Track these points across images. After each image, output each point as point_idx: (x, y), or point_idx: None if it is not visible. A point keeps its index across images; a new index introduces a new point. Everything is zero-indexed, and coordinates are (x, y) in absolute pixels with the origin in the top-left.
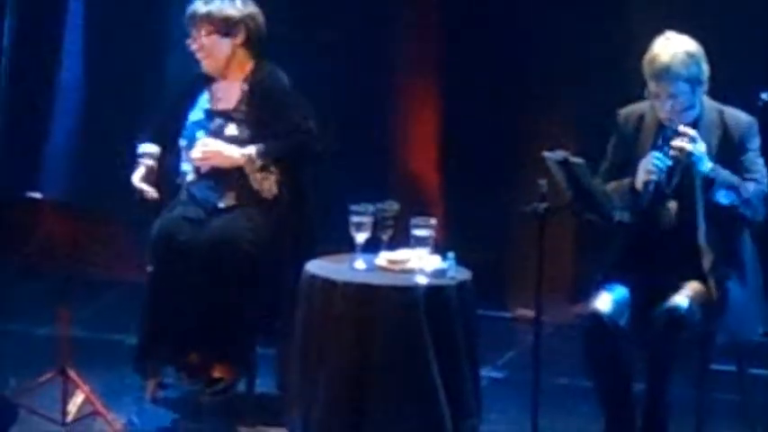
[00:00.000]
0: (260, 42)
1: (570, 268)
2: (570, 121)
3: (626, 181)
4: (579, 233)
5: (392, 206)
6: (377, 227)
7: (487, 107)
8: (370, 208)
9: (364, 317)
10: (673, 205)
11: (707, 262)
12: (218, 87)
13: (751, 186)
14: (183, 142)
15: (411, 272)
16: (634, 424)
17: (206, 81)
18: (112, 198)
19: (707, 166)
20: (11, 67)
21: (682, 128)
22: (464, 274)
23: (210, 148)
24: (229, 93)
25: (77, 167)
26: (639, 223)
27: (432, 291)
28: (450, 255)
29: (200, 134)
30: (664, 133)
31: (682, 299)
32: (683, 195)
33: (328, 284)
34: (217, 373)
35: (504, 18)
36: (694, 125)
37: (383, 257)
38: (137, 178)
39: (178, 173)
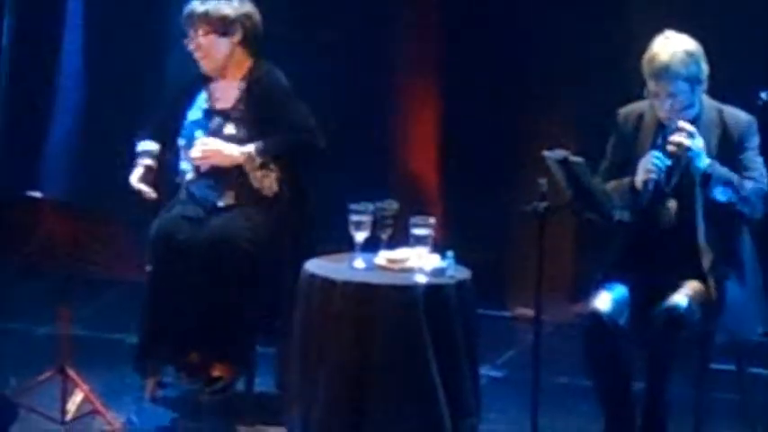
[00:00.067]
0: (257, 41)
1: (570, 267)
2: (570, 120)
3: (626, 180)
4: (579, 232)
5: (391, 205)
6: (376, 226)
7: (487, 107)
8: (370, 207)
9: (363, 316)
10: (672, 204)
11: (706, 261)
12: (217, 87)
13: (749, 184)
14: (181, 141)
15: (410, 271)
16: (634, 423)
17: (204, 81)
18: (112, 197)
19: (704, 161)
20: (10, 67)
21: (680, 123)
22: (463, 273)
23: (210, 147)
24: (228, 92)
25: (77, 167)
26: (639, 222)
27: (431, 290)
28: (450, 254)
29: (198, 133)
30: (663, 132)
31: (681, 298)
32: (683, 195)
33: (328, 283)
34: (216, 373)
35: (503, 18)
36: (693, 124)
37: (382, 256)
38: (134, 179)
39: (177, 172)
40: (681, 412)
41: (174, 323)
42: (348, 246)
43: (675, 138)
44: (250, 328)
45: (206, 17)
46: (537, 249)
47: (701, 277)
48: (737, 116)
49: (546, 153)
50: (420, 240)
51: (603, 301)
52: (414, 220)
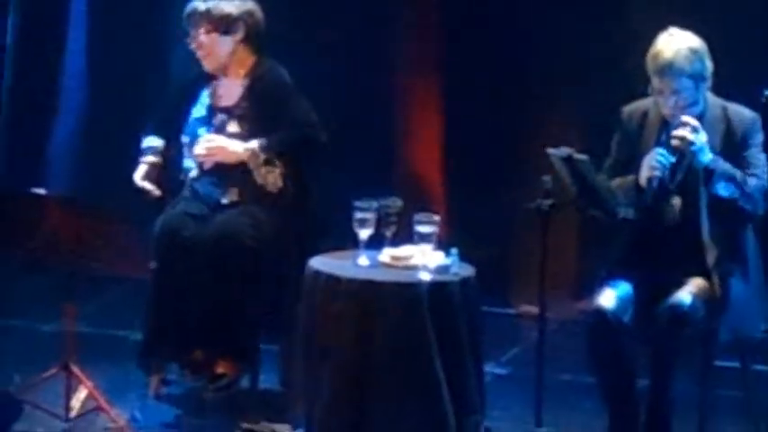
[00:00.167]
0: (259, 38)
1: (574, 265)
2: (571, 120)
3: (630, 177)
4: (583, 230)
5: (395, 202)
6: (380, 223)
7: (488, 106)
8: (374, 204)
9: (367, 313)
10: (677, 202)
11: (711, 258)
12: (220, 85)
13: (752, 181)
14: (185, 139)
15: (414, 268)
16: (638, 420)
17: (207, 78)
18: (116, 195)
19: (707, 156)
20: (15, 65)
21: (684, 118)
22: (468, 271)
23: (214, 144)
24: (231, 90)
25: (81, 165)
26: (643, 220)
27: (435, 287)
28: (454, 251)
29: (202, 131)
30: (667, 130)
31: (685, 295)
32: (687, 192)
33: (332, 280)
34: (220, 370)
35: (504, 18)
36: (698, 121)
37: (386, 254)
38: (138, 177)
39: (181, 169)
40: (685, 409)
41: (178, 320)
42: (352, 243)
43: (679, 132)
44: (254, 325)
45: (208, 16)
46: (541, 247)
47: (705, 274)
48: (742, 113)
49: (550, 150)
50: (424, 238)
51: (607, 298)
52: (418, 217)
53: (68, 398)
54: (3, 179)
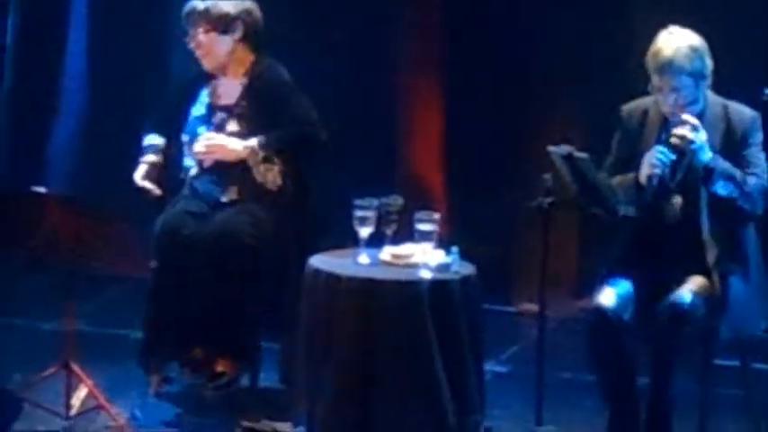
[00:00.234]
0: (258, 37)
1: (574, 263)
2: (572, 120)
3: (630, 175)
4: (583, 228)
5: (396, 201)
6: (381, 221)
7: (490, 106)
8: (375, 202)
9: (368, 311)
10: (677, 200)
11: (711, 256)
12: (219, 84)
13: (752, 180)
14: (185, 137)
15: (415, 266)
16: (638, 418)
17: (207, 77)
18: (116, 194)
19: (707, 155)
20: (15, 66)
21: (684, 116)
22: (468, 269)
23: (214, 142)
24: (230, 89)
25: (81, 165)
26: (644, 218)
27: (436, 285)
28: (455, 249)
29: (201, 130)
30: (668, 128)
31: (685, 293)
32: (688, 190)
33: (332, 279)
34: (220, 368)
35: (506, 17)
36: (698, 119)
37: (387, 252)
38: (138, 177)
39: (181, 168)
40: (685, 407)
41: (178, 319)
42: (353, 241)
43: (679, 130)
44: (254, 324)
45: (206, 15)
46: (542, 245)
47: (705, 273)
48: (742, 112)
49: (551, 148)
50: (425, 236)
51: (608, 296)
52: (418, 215)
53: (68, 396)
54: (3, 179)
